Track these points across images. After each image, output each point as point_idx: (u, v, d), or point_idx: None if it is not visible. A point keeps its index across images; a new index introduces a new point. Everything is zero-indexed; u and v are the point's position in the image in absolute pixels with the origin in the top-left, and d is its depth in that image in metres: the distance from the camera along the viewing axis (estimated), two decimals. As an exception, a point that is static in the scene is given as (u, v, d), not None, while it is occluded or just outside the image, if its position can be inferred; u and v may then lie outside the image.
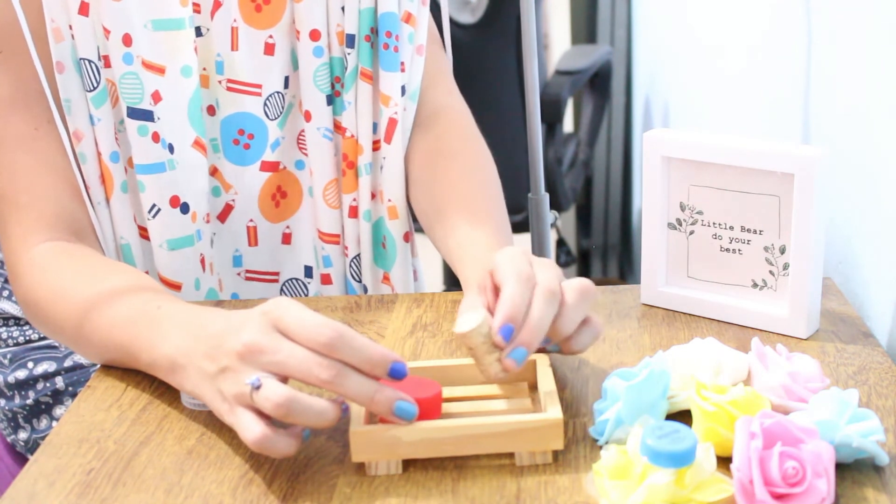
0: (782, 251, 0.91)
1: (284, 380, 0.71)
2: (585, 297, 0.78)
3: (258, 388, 0.69)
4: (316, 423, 0.70)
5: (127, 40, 0.97)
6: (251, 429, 0.70)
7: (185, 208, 1.03)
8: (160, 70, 0.99)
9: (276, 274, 1.14)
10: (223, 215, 1.09)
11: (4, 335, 1.14)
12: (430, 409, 0.73)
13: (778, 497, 0.65)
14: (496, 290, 0.80)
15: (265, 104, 1.07)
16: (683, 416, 0.76)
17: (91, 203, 1.00)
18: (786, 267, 0.91)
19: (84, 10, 0.96)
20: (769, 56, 1.40)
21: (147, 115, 0.99)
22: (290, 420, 0.69)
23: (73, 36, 0.97)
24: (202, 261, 1.06)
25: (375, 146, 1.10)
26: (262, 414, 0.71)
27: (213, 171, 1.07)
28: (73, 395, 1.12)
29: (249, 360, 0.70)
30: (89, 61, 0.97)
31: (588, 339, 0.80)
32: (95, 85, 0.98)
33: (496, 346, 0.74)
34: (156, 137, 1.00)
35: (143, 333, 0.82)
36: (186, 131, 1.02)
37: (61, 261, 0.93)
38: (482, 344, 0.74)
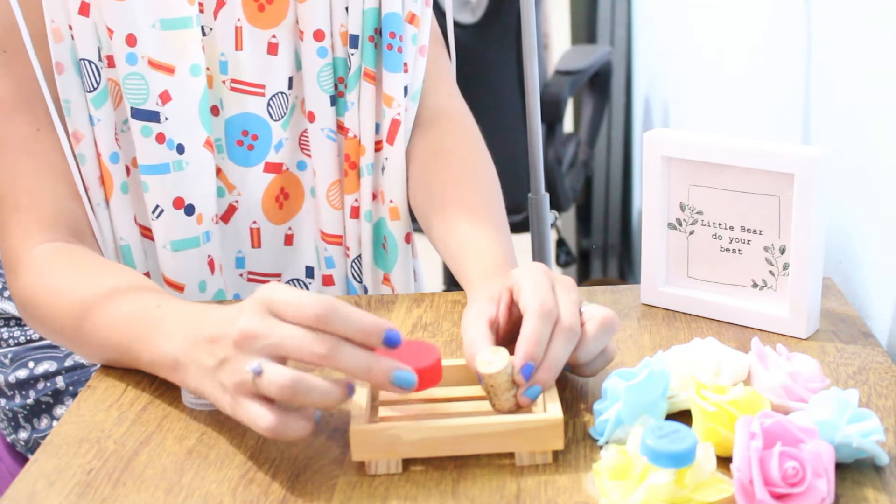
0: (782, 251, 0.91)
1: (283, 362, 0.71)
2: (607, 331, 0.79)
3: (260, 373, 0.69)
4: (322, 403, 0.69)
5: (131, 40, 0.97)
6: (262, 416, 0.69)
7: (189, 210, 1.03)
8: (169, 70, 0.98)
9: (279, 276, 1.14)
10: (226, 216, 1.09)
11: (5, 335, 1.14)
12: (429, 376, 0.73)
13: (778, 497, 0.65)
14: (509, 307, 0.81)
15: (269, 104, 1.07)
16: (683, 416, 0.76)
17: (90, 204, 1.00)
18: (786, 267, 0.91)
19: (84, 10, 0.96)
20: (769, 56, 1.40)
21: (152, 116, 0.99)
22: (296, 402, 0.69)
23: (72, 36, 0.97)
24: (210, 262, 1.06)
25: (378, 147, 1.10)
26: (267, 400, 0.70)
27: (217, 172, 1.07)
28: (74, 395, 1.12)
29: (246, 347, 0.70)
30: (89, 62, 0.97)
31: (601, 364, 0.81)
32: (95, 85, 0.98)
33: (515, 384, 0.75)
34: (160, 138, 1.00)
35: (143, 332, 0.82)
36: (197, 131, 1.02)
37: (60, 261, 0.93)
38: (504, 382, 0.75)
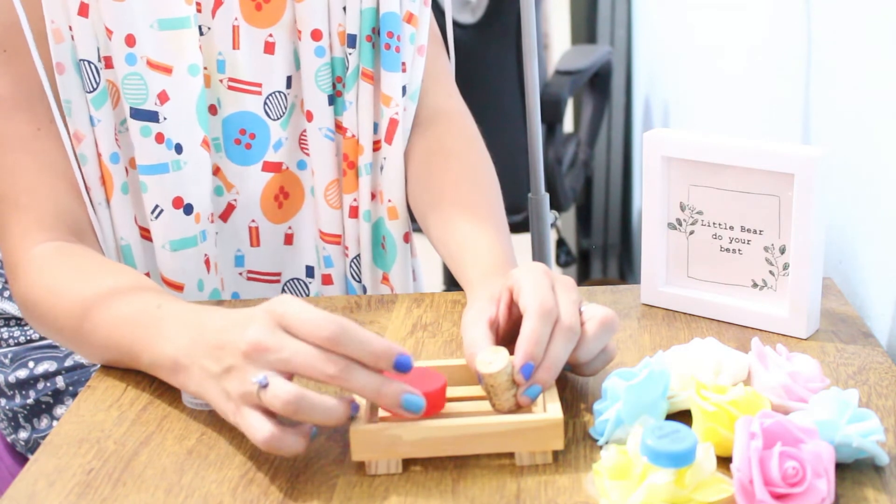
0: (782, 251, 0.91)
1: (290, 377, 0.71)
2: (607, 330, 0.79)
3: (265, 386, 0.69)
4: (324, 421, 0.70)
5: (130, 41, 0.97)
6: (260, 428, 0.70)
7: (188, 209, 1.03)
8: (167, 70, 0.98)
9: (278, 274, 1.14)
10: (225, 215, 1.09)
11: (5, 335, 1.14)
12: (435, 401, 0.73)
13: (778, 497, 0.65)
14: (509, 307, 0.81)
15: (266, 103, 1.07)
16: (683, 416, 0.76)
17: (91, 204, 1.00)
18: (786, 267, 0.91)
19: (84, 11, 0.96)
20: (769, 56, 1.40)
21: (151, 116, 0.99)
22: (298, 418, 0.69)
23: (72, 37, 0.97)
24: (206, 261, 1.06)
25: (376, 146, 1.10)
26: (268, 413, 0.70)
27: (216, 171, 1.07)
28: (74, 395, 1.12)
29: (255, 358, 0.70)
30: (89, 62, 0.97)
31: (601, 364, 0.81)
32: (95, 86, 0.98)
33: (515, 383, 0.75)
34: (159, 138, 1.00)
35: (144, 333, 0.82)
36: (195, 130, 1.02)
37: (61, 261, 0.93)
38: (504, 382, 0.75)
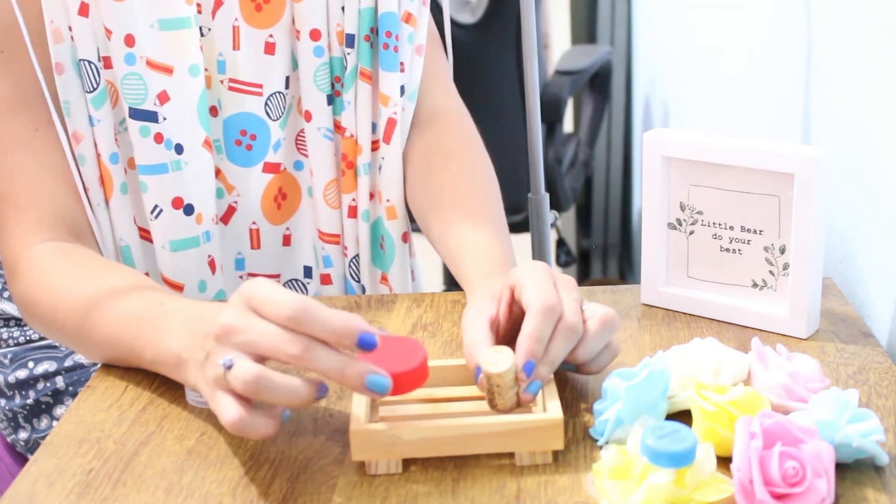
0: (782, 251, 0.91)
1: (262, 360, 0.70)
2: (608, 329, 0.79)
3: (230, 367, 0.69)
4: (289, 401, 0.69)
5: (129, 41, 0.97)
6: (228, 411, 0.69)
7: (188, 210, 1.03)
8: (167, 70, 0.98)
9: (277, 276, 1.14)
10: (226, 217, 1.09)
11: (5, 335, 1.14)
12: (413, 378, 0.72)
13: (778, 497, 0.65)
14: (509, 306, 0.81)
15: (266, 104, 1.07)
16: (683, 416, 0.76)
17: (90, 204, 1.00)
18: (786, 267, 0.91)
19: (84, 10, 0.96)
20: (769, 56, 1.40)
21: (150, 116, 0.99)
22: (261, 398, 0.69)
23: (72, 37, 0.96)
24: (211, 262, 1.06)
25: (374, 146, 1.10)
26: (240, 397, 0.70)
27: (217, 173, 1.07)
28: (74, 395, 1.12)
29: (224, 341, 0.70)
30: (89, 62, 0.97)
31: (606, 360, 0.81)
32: (95, 86, 0.98)
33: (516, 381, 0.75)
34: (158, 138, 1.00)
35: (147, 330, 0.82)
36: (196, 131, 1.02)
37: (61, 260, 0.93)
38: (510, 381, 0.75)
